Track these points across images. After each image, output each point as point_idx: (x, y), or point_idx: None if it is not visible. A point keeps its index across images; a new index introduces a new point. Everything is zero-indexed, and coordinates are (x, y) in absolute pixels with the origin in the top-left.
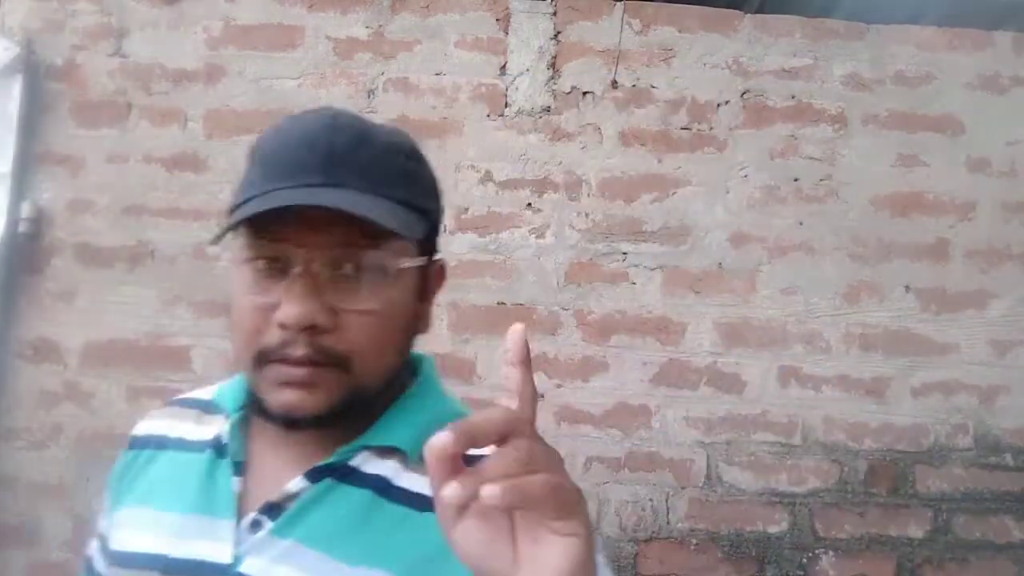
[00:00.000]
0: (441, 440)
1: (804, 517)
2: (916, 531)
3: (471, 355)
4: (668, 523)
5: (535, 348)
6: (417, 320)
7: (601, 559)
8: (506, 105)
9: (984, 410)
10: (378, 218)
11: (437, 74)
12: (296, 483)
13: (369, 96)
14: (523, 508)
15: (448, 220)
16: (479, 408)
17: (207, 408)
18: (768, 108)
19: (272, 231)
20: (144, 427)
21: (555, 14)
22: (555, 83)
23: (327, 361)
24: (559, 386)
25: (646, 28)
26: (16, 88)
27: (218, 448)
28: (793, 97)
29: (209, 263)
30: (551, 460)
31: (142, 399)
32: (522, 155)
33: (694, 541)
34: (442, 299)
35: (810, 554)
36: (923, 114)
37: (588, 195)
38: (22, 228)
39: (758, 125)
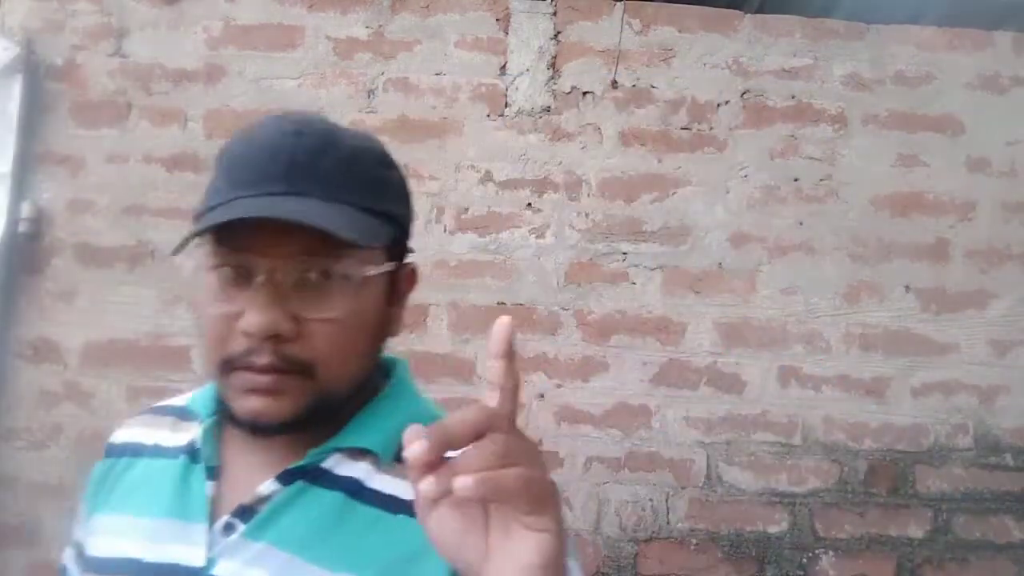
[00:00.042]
0: (416, 449)
1: (804, 517)
2: (916, 531)
3: (471, 355)
4: (668, 523)
5: (535, 348)
6: (387, 324)
7: (574, 563)
8: (506, 105)
9: (984, 410)
10: (337, 229)
11: (437, 74)
12: (268, 486)
13: (369, 96)
14: (496, 500)
15: (448, 220)
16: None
17: (182, 415)
18: (768, 108)
19: (235, 240)
20: (121, 435)
21: (555, 14)
22: (555, 83)
23: (292, 369)
24: (559, 386)
25: (646, 28)
26: (16, 88)
27: (192, 453)
28: (793, 97)
29: None
30: (527, 454)
31: (142, 399)
32: (522, 155)
33: (694, 541)
34: (442, 299)
35: (810, 554)
36: (923, 114)
37: (588, 195)
38: (22, 228)
39: (758, 125)
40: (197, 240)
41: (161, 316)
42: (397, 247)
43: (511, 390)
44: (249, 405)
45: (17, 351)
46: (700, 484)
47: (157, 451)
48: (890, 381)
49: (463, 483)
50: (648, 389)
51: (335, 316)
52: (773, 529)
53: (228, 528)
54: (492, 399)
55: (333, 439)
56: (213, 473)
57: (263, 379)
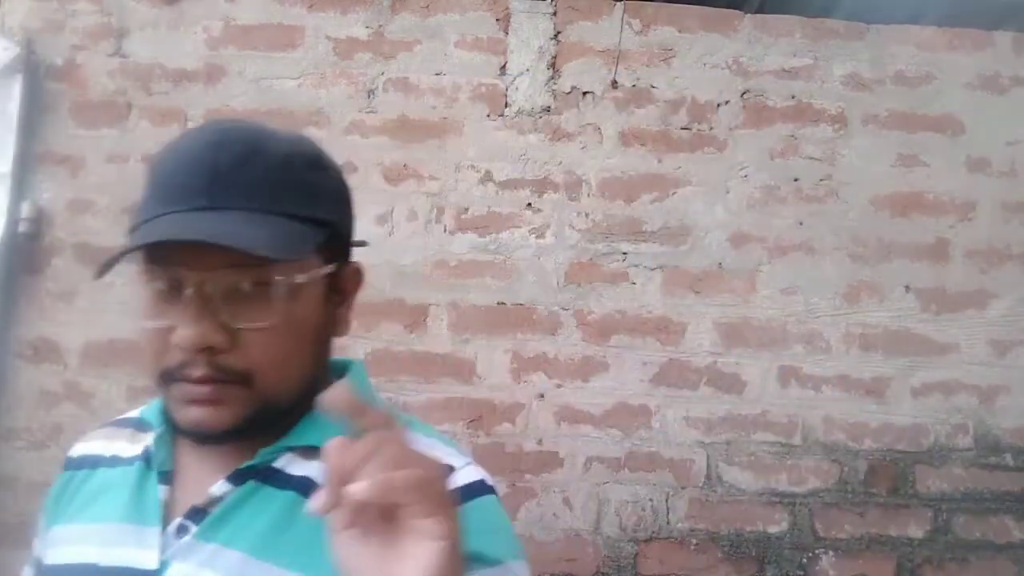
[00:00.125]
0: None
1: (804, 517)
2: (916, 531)
3: (471, 355)
4: (668, 523)
5: (535, 348)
6: (331, 325)
7: (520, 564)
8: (506, 105)
9: (984, 410)
10: (251, 246)
11: (437, 74)
12: (219, 486)
13: (369, 96)
14: (389, 499)
15: (448, 220)
16: (470, 406)
17: (138, 426)
18: (768, 108)
19: (163, 256)
20: (79, 449)
21: (555, 14)
22: (555, 83)
23: (229, 379)
24: (559, 386)
25: (646, 28)
26: (16, 88)
27: (147, 459)
28: (793, 97)
29: None
30: (421, 461)
31: (142, 399)
32: (522, 155)
33: (694, 541)
34: (442, 299)
35: (810, 554)
36: (923, 114)
37: (588, 195)
38: (22, 228)
39: (758, 125)
40: (127, 257)
41: None
42: (335, 248)
43: (385, 422)
44: (190, 416)
45: (17, 351)
46: (700, 484)
47: (114, 461)
48: (890, 381)
49: (357, 487)
50: (648, 389)
51: (267, 324)
52: (773, 529)
53: (181, 530)
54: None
55: (284, 438)
56: (167, 477)
57: (201, 390)
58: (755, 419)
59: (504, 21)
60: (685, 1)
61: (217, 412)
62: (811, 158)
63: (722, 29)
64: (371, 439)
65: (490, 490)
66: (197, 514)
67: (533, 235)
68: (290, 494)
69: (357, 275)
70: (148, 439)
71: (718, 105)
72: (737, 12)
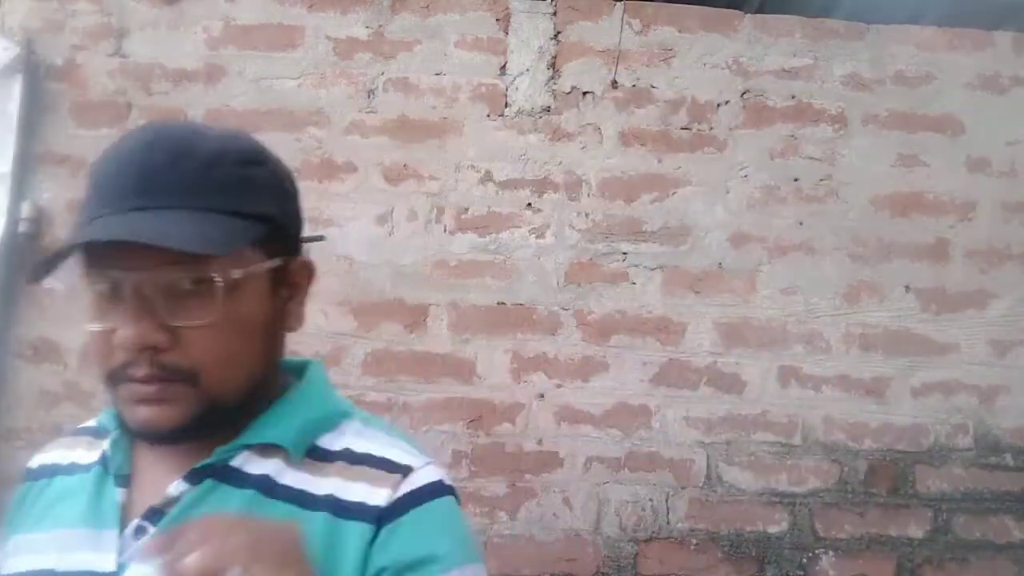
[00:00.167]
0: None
1: (804, 517)
2: (916, 531)
3: (471, 355)
4: (668, 523)
5: (535, 348)
6: (281, 320)
7: (479, 567)
8: (506, 105)
9: (984, 410)
10: (177, 243)
11: (437, 74)
12: (176, 486)
13: (369, 96)
14: (222, 565)
15: (448, 220)
16: (470, 406)
17: (96, 434)
18: (768, 108)
19: (102, 258)
20: (38, 459)
21: (555, 14)
22: (555, 83)
23: (174, 377)
24: (559, 386)
25: (646, 28)
26: (16, 88)
27: (105, 464)
28: (793, 97)
29: None
30: (261, 528)
31: None
32: (522, 155)
33: (694, 541)
34: (442, 299)
35: (810, 554)
36: (923, 114)
37: (588, 195)
38: (22, 228)
39: (758, 125)
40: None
41: None
42: (279, 243)
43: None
44: (138, 415)
45: (17, 351)
46: (700, 484)
47: (72, 468)
48: (890, 381)
49: (190, 559)
50: (648, 389)
51: (208, 321)
52: (773, 529)
53: (139, 532)
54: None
55: (240, 437)
56: (124, 481)
57: (147, 389)
58: (755, 419)
59: (504, 21)
60: (685, 1)
61: (164, 411)
62: (811, 158)
63: (722, 29)
64: (200, 524)
65: (448, 491)
66: (155, 515)
67: (533, 235)
68: (249, 492)
69: (307, 269)
70: (105, 445)
71: (718, 105)
72: (737, 12)
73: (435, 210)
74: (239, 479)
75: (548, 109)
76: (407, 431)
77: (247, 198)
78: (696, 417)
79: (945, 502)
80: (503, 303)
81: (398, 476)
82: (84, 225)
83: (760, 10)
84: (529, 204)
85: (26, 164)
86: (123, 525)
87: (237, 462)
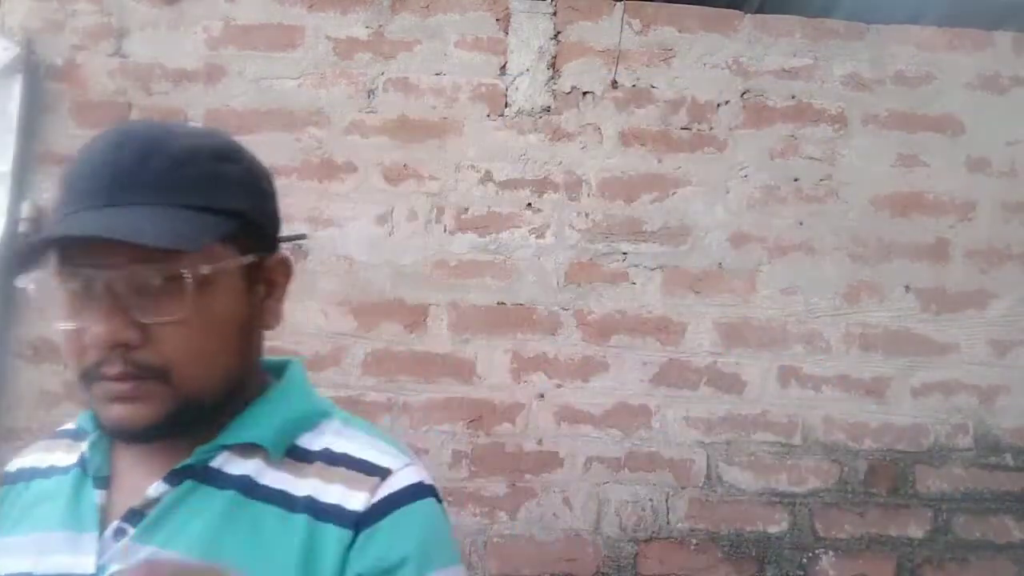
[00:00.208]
0: None
1: (804, 517)
2: (916, 531)
3: (471, 355)
4: (668, 523)
5: (535, 348)
6: (257, 318)
7: (456, 569)
8: (506, 105)
9: (984, 410)
10: (141, 237)
11: (437, 74)
12: (156, 488)
13: (369, 96)
14: None
15: (448, 220)
16: (470, 406)
17: (75, 436)
18: (768, 108)
19: (73, 256)
20: (17, 463)
21: (555, 14)
22: (555, 83)
23: (146, 374)
24: (559, 386)
25: (646, 28)
26: (16, 88)
27: (84, 466)
28: (793, 97)
29: None
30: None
31: None
32: (522, 155)
33: (694, 541)
34: (442, 299)
35: (810, 554)
36: (923, 114)
37: (588, 195)
38: (22, 228)
39: (758, 125)
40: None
41: None
42: (253, 239)
43: None
44: (112, 413)
45: (17, 351)
46: (700, 484)
47: (50, 471)
48: (890, 381)
49: None
50: (648, 389)
51: (178, 318)
52: (773, 529)
53: (119, 533)
54: None
55: (219, 437)
56: (104, 482)
57: (121, 387)
58: (755, 419)
59: (504, 21)
60: (685, 1)
61: (137, 409)
62: (811, 158)
63: (722, 29)
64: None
65: (428, 492)
66: (134, 516)
67: (533, 235)
68: (229, 493)
69: (283, 266)
70: (84, 447)
71: (718, 105)
72: (737, 12)
73: (435, 210)
74: (219, 480)
75: (548, 109)
76: (407, 430)
77: (219, 194)
78: (696, 417)
79: (945, 502)
80: (503, 303)
81: (376, 479)
82: (55, 223)
83: (760, 10)
84: (529, 204)
85: (26, 164)
86: (102, 527)
87: (217, 463)
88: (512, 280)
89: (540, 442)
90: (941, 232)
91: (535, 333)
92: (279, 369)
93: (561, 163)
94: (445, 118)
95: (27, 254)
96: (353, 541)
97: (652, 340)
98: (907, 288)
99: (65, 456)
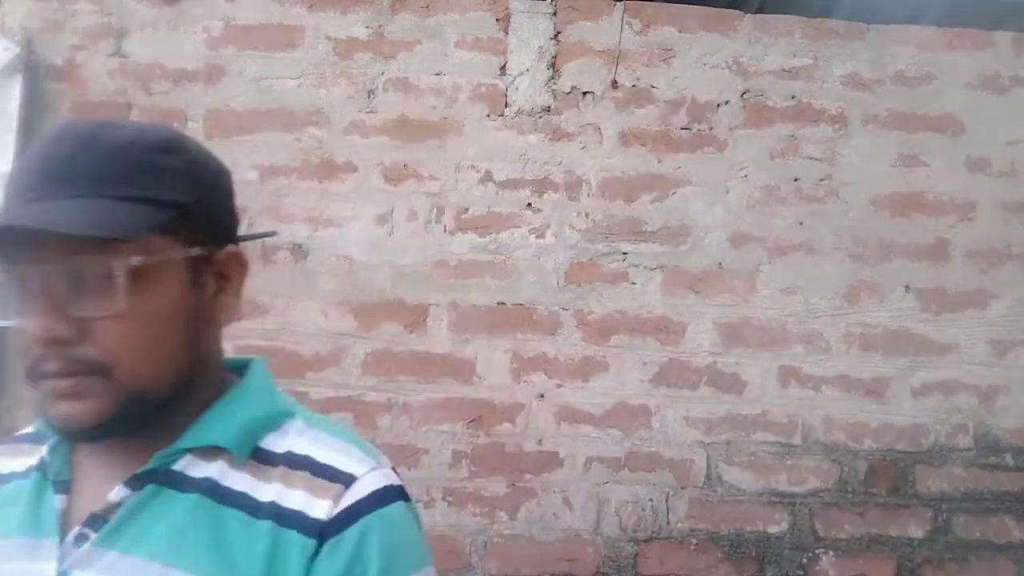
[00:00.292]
0: None
1: (804, 517)
2: (916, 531)
3: (471, 355)
4: (668, 523)
5: (535, 348)
6: (206, 312)
7: (430, 570)
8: (506, 105)
9: (984, 410)
10: (60, 226)
11: (437, 74)
12: (117, 492)
13: (369, 96)
14: None
15: (448, 220)
16: (470, 406)
17: (36, 439)
18: (768, 108)
19: (11, 252)
20: None
21: (555, 14)
22: (555, 83)
23: (86, 371)
24: (559, 386)
25: (646, 28)
26: (16, 88)
27: (44, 470)
28: (793, 97)
29: None
30: None
31: None
32: (522, 155)
33: (694, 541)
34: (442, 299)
35: (810, 554)
36: (923, 114)
37: (588, 195)
38: None
39: (758, 125)
40: None
41: None
42: (198, 232)
43: None
44: (57, 411)
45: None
46: (700, 484)
47: (11, 476)
48: (890, 381)
49: None
50: (648, 389)
51: (116, 312)
52: (773, 529)
53: (80, 539)
54: None
55: (180, 439)
56: (64, 487)
57: (63, 383)
58: (755, 419)
59: (504, 21)
60: (685, 1)
61: (80, 406)
62: (811, 158)
63: (722, 29)
64: None
65: (395, 496)
66: (96, 521)
67: (533, 235)
68: (192, 496)
69: (235, 259)
70: (44, 451)
71: (718, 105)
72: (737, 12)
73: (435, 210)
74: (182, 483)
75: (548, 109)
76: (408, 430)
77: (156, 185)
78: (696, 417)
79: (945, 502)
80: (503, 303)
81: (340, 487)
82: None
83: (760, 10)
84: (529, 204)
85: None
86: (63, 533)
87: (180, 466)
88: (512, 280)
89: (540, 442)
90: (941, 232)
91: (535, 333)
92: (243, 368)
93: (561, 163)
94: (445, 118)
95: None
96: (317, 550)
97: (652, 340)
98: (907, 288)
99: (25, 460)
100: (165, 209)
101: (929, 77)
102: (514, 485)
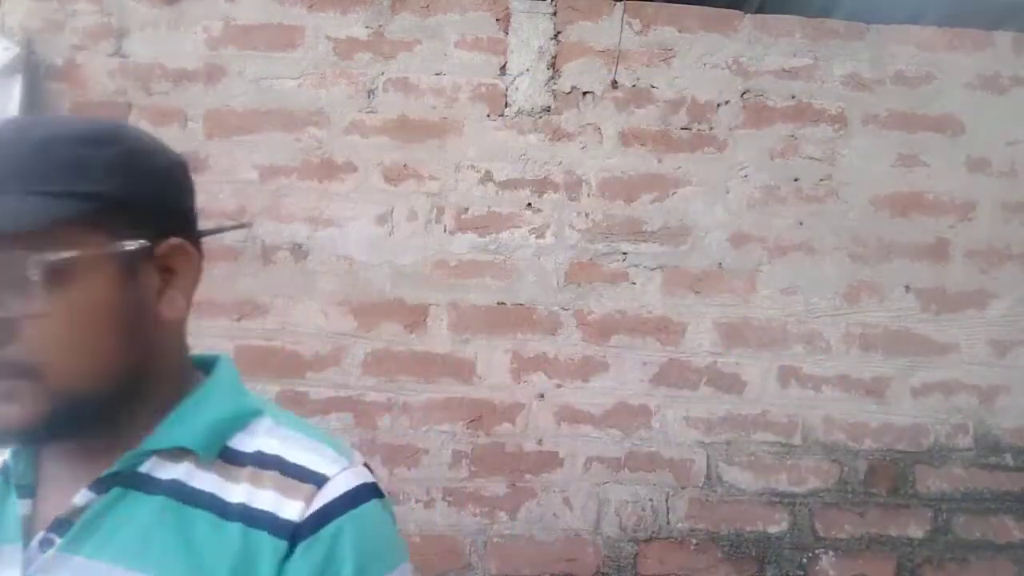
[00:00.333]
0: None
1: (804, 517)
2: (916, 531)
3: (471, 355)
4: (668, 523)
5: (535, 348)
6: (145, 308)
7: (406, 567)
8: (506, 105)
9: (984, 410)
10: None
11: (437, 74)
12: (82, 496)
13: (369, 96)
14: None
15: (448, 220)
16: (470, 406)
17: None
18: (768, 108)
19: None
20: None
21: (555, 14)
22: (555, 83)
23: (15, 373)
24: (559, 386)
25: (646, 28)
26: (16, 88)
27: (7, 474)
28: (793, 97)
29: (209, 263)
30: None
31: None
32: (522, 155)
33: (694, 541)
34: (442, 299)
35: (810, 554)
36: (923, 114)
37: (588, 195)
38: None
39: (758, 125)
40: None
41: None
42: (130, 226)
43: None
44: None
45: None
46: (700, 484)
47: None
48: (890, 381)
49: None
50: (648, 389)
51: (37, 311)
52: (773, 529)
53: (45, 544)
54: None
55: (145, 442)
56: (28, 491)
57: None
58: (755, 419)
59: (504, 21)
60: (685, 1)
61: (13, 409)
62: (811, 158)
63: (722, 29)
64: None
65: (368, 495)
66: (61, 526)
67: (533, 235)
68: (159, 499)
69: (181, 252)
70: (7, 455)
71: (718, 105)
72: (737, 12)
73: (435, 210)
74: (148, 485)
75: (548, 109)
76: (408, 430)
77: (76, 179)
78: (696, 417)
79: (945, 502)
80: (503, 303)
81: (311, 487)
82: None
83: (760, 10)
84: (529, 204)
85: None
86: (28, 538)
87: (145, 468)
88: (512, 280)
89: (540, 442)
90: (941, 232)
91: (535, 333)
92: (210, 366)
93: (561, 163)
94: (445, 118)
95: None
96: (289, 552)
97: (652, 340)
98: (907, 288)
99: None
100: (87, 202)
101: (929, 77)
102: (514, 485)
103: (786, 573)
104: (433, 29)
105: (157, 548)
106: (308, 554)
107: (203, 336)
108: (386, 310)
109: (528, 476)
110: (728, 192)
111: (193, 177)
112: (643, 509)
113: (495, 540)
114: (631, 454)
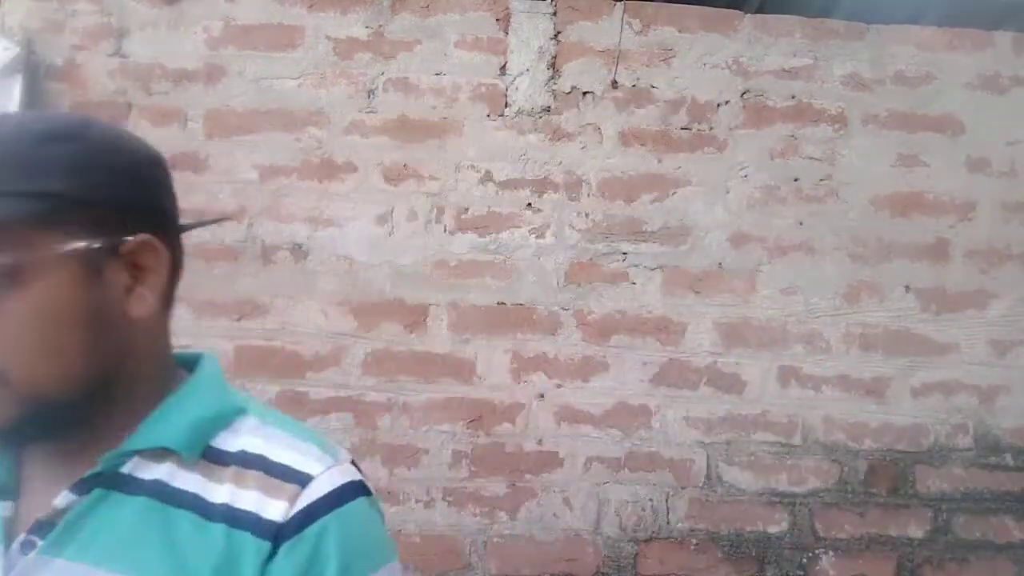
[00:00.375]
0: None
1: (804, 517)
2: (916, 531)
3: (471, 355)
4: (668, 523)
5: (535, 348)
6: (112, 307)
7: (396, 565)
8: (506, 105)
9: (984, 410)
10: None
11: (437, 74)
12: (63, 498)
13: (369, 96)
14: None
15: (448, 220)
16: (470, 406)
17: None
18: (768, 108)
19: None
20: None
21: (555, 14)
22: (555, 83)
23: None
24: (559, 386)
25: (646, 28)
26: (16, 88)
27: None
28: (793, 97)
29: (209, 263)
30: None
31: None
32: (522, 155)
33: (694, 541)
34: (442, 299)
35: (810, 554)
36: (923, 114)
37: (588, 195)
38: None
39: (758, 125)
40: None
41: None
42: (91, 223)
43: None
44: None
45: None
46: (700, 484)
47: None
48: (890, 381)
49: None
50: (648, 389)
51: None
52: (773, 529)
53: (26, 546)
54: None
55: (127, 442)
56: (10, 493)
57: None
58: (755, 419)
59: (504, 21)
60: (685, 1)
61: None
62: (811, 158)
63: (722, 29)
64: None
65: (354, 493)
66: (42, 528)
67: (533, 235)
68: (141, 499)
69: (147, 249)
70: None
71: (718, 105)
72: (737, 12)
73: (435, 210)
74: (130, 486)
75: (548, 109)
76: (408, 430)
77: (28, 177)
78: (696, 417)
79: (945, 502)
80: (503, 303)
81: (295, 487)
82: None
83: (760, 10)
84: (529, 204)
85: None
86: (9, 540)
87: (127, 468)
88: (512, 280)
89: (540, 442)
90: (941, 232)
91: (535, 333)
92: (194, 364)
93: (561, 163)
94: (445, 118)
95: None
96: (272, 553)
97: (652, 340)
98: (907, 288)
99: None
100: (43, 201)
101: (929, 77)
102: (514, 485)
103: (786, 573)
104: (433, 29)
105: (139, 549)
106: (292, 554)
107: (203, 336)
108: (386, 310)
109: (528, 476)
110: (728, 192)
111: (173, 173)
112: (643, 509)
113: (495, 540)
114: (631, 454)
